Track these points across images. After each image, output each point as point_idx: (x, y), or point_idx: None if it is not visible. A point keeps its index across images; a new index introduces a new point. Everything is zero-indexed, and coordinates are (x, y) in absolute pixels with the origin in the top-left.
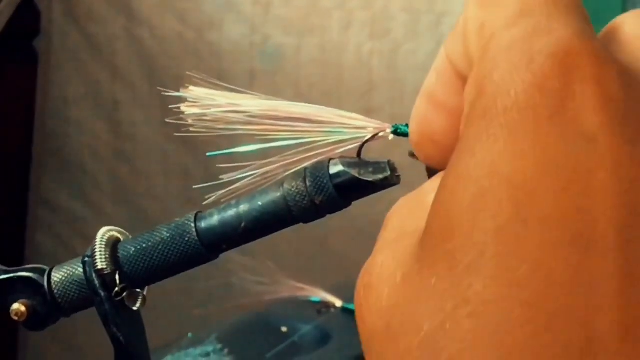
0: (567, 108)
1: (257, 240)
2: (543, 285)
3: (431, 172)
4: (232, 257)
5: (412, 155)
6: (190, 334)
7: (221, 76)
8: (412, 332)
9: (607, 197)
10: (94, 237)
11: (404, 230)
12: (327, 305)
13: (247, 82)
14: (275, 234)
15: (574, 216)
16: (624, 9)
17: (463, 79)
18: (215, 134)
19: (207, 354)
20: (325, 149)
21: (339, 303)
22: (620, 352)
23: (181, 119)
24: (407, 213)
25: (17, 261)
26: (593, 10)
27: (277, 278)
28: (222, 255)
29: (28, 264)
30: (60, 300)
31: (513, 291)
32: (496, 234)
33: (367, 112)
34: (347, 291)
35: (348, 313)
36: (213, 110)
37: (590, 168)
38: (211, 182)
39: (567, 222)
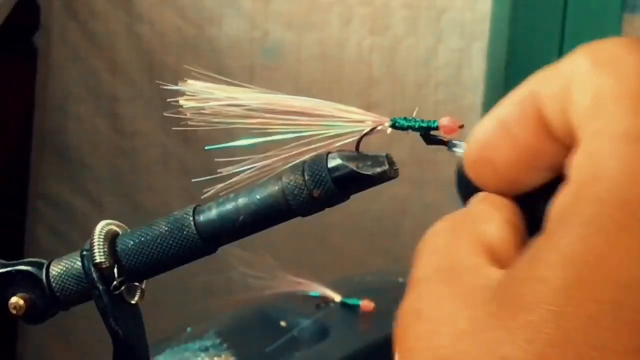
0: None
1: (256, 235)
2: None
3: (463, 183)
4: (231, 252)
5: (459, 172)
6: (189, 328)
7: (221, 71)
8: None
9: None
10: (91, 235)
11: (459, 261)
12: (326, 299)
13: (247, 78)
14: (274, 229)
15: None
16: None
17: (545, 124)
18: (214, 127)
19: (206, 348)
20: (323, 143)
21: (338, 298)
22: None
23: (180, 113)
24: (455, 241)
25: (16, 256)
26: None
27: (276, 273)
28: (220, 250)
29: (27, 259)
30: (58, 294)
31: None
32: (587, 325)
33: (367, 107)
34: (346, 286)
35: (347, 308)
36: (211, 103)
37: None
38: (211, 176)
39: None
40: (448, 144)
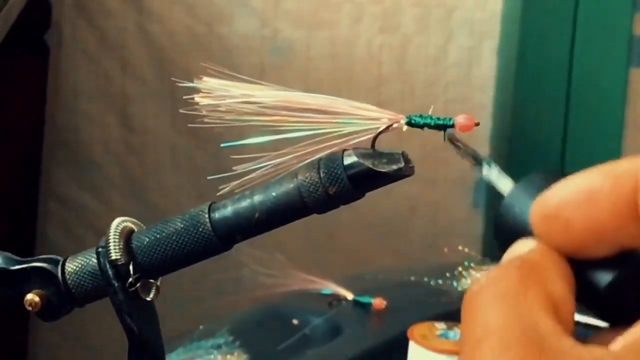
0: None
1: (267, 234)
2: None
3: (506, 228)
4: (243, 250)
5: (453, 143)
6: (201, 326)
7: (231, 70)
8: None
9: None
10: (104, 230)
11: (538, 327)
12: (338, 298)
13: (257, 76)
14: (285, 227)
15: None
16: (635, 7)
17: (638, 206)
18: (229, 124)
19: (219, 346)
20: (338, 140)
21: (350, 296)
22: None
23: (195, 110)
24: (524, 300)
25: (27, 253)
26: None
27: (287, 271)
28: (232, 248)
29: (43, 255)
30: (74, 291)
31: None
32: None
33: (377, 106)
34: (358, 284)
35: (359, 306)
36: (227, 101)
37: None
38: (226, 174)
39: None
40: (477, 160)
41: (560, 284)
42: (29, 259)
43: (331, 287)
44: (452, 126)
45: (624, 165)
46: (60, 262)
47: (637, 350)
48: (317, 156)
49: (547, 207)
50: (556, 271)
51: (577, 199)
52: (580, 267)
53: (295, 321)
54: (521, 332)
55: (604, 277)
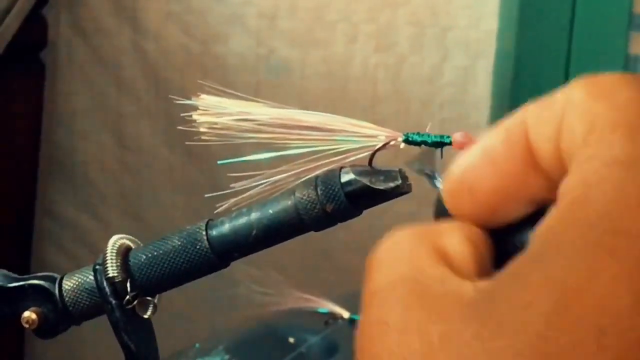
0: None
1: (264, 252)
2: None
3: (440, 214)
4: (239, 268)
5: (419, 170)
6: (197, 344)
7: (226, 88)
8: None
9: None
10: (99, 249)
11: (423, 271)
12: (334, 316)
13: (253, 95)
14: (282, 245)
15: None
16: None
17: (532, 155)
18: (227, 142)
19: None
20: (336, 158)
21: (346, 314)
22: None
23: (191, 127)
24: (416, 250)
25: (23, 272)
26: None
27: (284, 289)
28: (229, 266)
29: (39, 273)
30: (71, 308)
31: None
32: (570, 351)
33: (377, 126)
34: (354, 302)
35: (355, 324)
36: (225, 118)
37: None
38: (223, 192)
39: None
40: (430, 176)
41: (457, 238)
42: (26, 276)
43: (327, 306)
44: (450, 144)
45: (513, 117)
46: (58, 280)
47: (510, 289)
48: (315, 174)
49: (451, 180)
50: (456, 231)
51: (477, 164)
52: (500, 235)
53: (291, 339)
54: (404, 281)
55: (521, 238)
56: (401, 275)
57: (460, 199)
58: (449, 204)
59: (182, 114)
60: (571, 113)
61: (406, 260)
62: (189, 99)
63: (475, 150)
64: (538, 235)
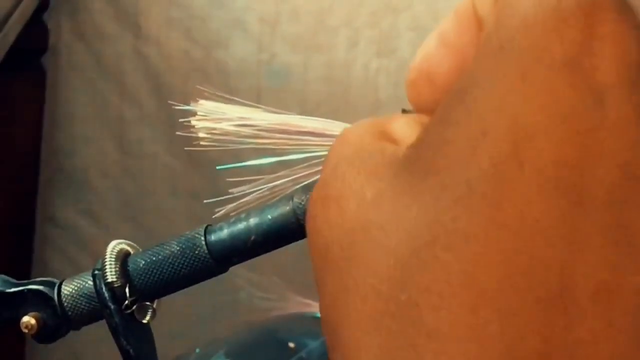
0: (583, 61)
1: (264, 256)
2: (527, 231)
3: None
4: (239, 273)
5: (404, 110)
6: (197, 349)
7: (228, 93)
8: (383, 254)
9: (603, 157)
10: (100, 254)
11: (364, 148)
12: None
13: (254, 100)
14: (283, 250)
15: (570, 168)
16: None
17: (480, 25)
18: (225, 147)
19: None
20: None
21: None
22: (590, 310)
23: (191, 133)
24: (363, 134)
25: (24, 277)
26: None
27: (284, 294)
28: (228, 271)
29: (39, 278)
30: (70, 313)
31: (496, 231)
32: (490, 172)
33: None
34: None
35: None
36: (224, 124)
37: (593, 125)
38: (222, 197)
39: (563, 173)
40: None
41: (403, 120)
42: (25, 281)
43: None
44: None
45: (461, 2)
46: (57, 285)
47: (435, 130)
48: (313, 179)
49: (410, 71)
50: (404, 117)
51: (432, 50)
52: None
53: (291, 344)
54: (346, 159)
55: None
56: (344, 156)
57: (420, 87)
58: (410, 96)
59: (180, 120)
60: None
61: (352, 144)
62: (190, 104)
63: (431, 39)
64: (461, 73)
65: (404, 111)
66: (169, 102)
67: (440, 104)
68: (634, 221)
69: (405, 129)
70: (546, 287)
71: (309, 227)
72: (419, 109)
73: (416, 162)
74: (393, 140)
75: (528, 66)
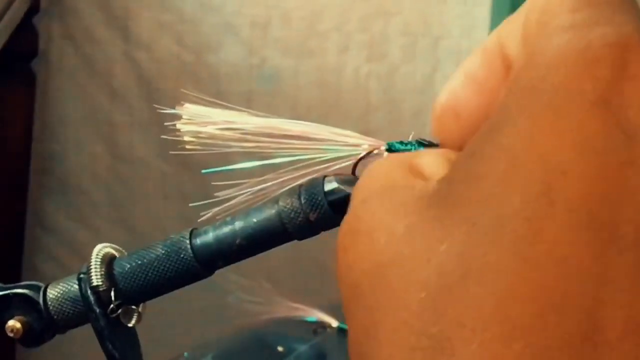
0: (614, 100)
1: (252, 260)
2: (557, 268)
3: None
4: (228, 277)
5: (421, 142)
6: (186, 354)
7: (219, 97)
8: (414, 288)
9: (634, 195)
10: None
11: (394, 184)
12: (322, 325)
13: (245, 104)
14: (270, 254)
15: (600, 206)
16: None
17: (508, 64)
18: (212, 151)
19: None
20: (320, 167)
21: (334, 323)
22: (619, 348)
23: (177, 136)
24: (392, 170)
25: (14, 281)
26: None
27: (272, 298)
28: (217, 275)
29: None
30: (55, 317)
31: (527, 267)
32: (521, 209)
33: (365, 134)
34: (342, 311)
35: (344, 333)
36: (209, 127)
37: (623, 163)
38: (208, 200)
39: (593, 210)
40: None
41: (432, 156)
42: (11, 285)
43: (316, 315)
44: None
45: (490, 36)
46: (42, 289)
47: (465, 166)
48: (299, 182)
49: (437, 107)
50: (432, 152)
51: (460, 87)
52: None
53: (280, 348)
54: (376, 194)
55: None
56: (374, 191)
57: (447, 123)
58: (436, 132)
59: (165, 123)
60: (532, 6)
61: (381, 179)
62: (179, 106)
63: (458, 75)
64: (492, 110)
65: (423, 143)
66: (154, 105)
67: (471, 139)
68: None
69: (434, 164)
70: (577, 324)
71: (338, 262)
72: (444, 144)
73: (447, 197)
74: (422, 176)
75: (559, 104)
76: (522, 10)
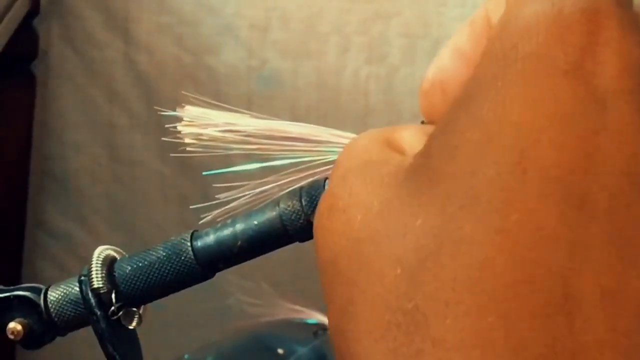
0: (585, 67)
1: (254, 263)
2: (531, 237)
3: None
4: (228, 279)
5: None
6: (186, 356)
7: (219, 99)
8: (390, 264)
9: (606, 162)
10: (90, 261)
11: (371, 159)
12: (323, 327)
13: (245, 106)
14: (271, 256)
15: (572, 174)
16: None
17: None
18: (212, 153)
19: None
20: (321, 169)
21: None
22: (593, 316)
23: (178, 139)
24: (370, 144)
25: (14, 284)
26: None
27: (273, 300)
28: (217, 277)
29: (25, 284)
30: (56, 319)
31: (501, 238)
32: (495, 180)
33: None
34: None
35: None
36: (210, 129)
37: (595, 131)
38: (208, 203)
39: (566, 179)
40: None
41: (410, 130)
42: (11, 287)
43: (316, 317)
44: None
45: (478, 10)
46: (43, 291)
47: (440, 140)
48: (299, 184)
49: (425, 82)
50: (410, 127)
51: (447, 62)
52: None
53: (280, 350)
54: (353, 169)
55: None
56: (351, 166)
57: (434, 98)
58: (423, 108)
59: (166, 125)
60: None
61: (359, 154)
62: (180, 108)
63: (445, 50)
64: (465, 81)
65: (423, 123)
66: (155, 107)
67: (446, 111)
68: (636, 227)
69: (413, 139)
70: (550, 294)
71: (316, 238)
72: (430, 120)
73: (422, 171)
74: (400, 150)
75: (530, 73)
76: None
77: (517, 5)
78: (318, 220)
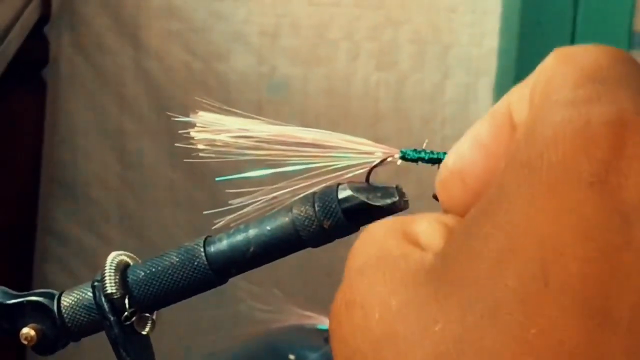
0: (610, 181)
1: (264, 268)
2: (551, 351)
3: None
4: (240, 285)
5: (435, 197)
6: None
7: (229, 106)
8: None
9: (630, 278)
10: (100, 267)
11: (390, 253)
12: None
13: (255, 112)
14: (281, 262)
15: (595, 289)
16: (631, 45)
17: (515, 130)
18: (225, 159)
19: None
20: (333, 174)
21: None
22: None
23: (190, 144)
24: (387, 236)
25: (24, 290)
26: (603, 9)
27: (284, 306)
28: (229, 283)
29: (39, 290)
30: (69, 325)
31: (521, 352)
32: (517, 291)
33: (374, 142)
34: None
35: None
36: (223, 135)
37: (619, 246)
38: (221, 209)
39: (588, 293)
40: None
41: (426, 221)
42: (25, 293)
43: (327, 322)
44: None
45: (499, 102)
46: (56, 296)
47: (461, 243)
48: (312, 190)
49: (443, 170)
50: (427, 217)
51: (467, 151)
52: None
53: (291, 356)
54: (371, 263)
55: None
56: (369, 258)
57: (453, 188)
58: (441, 195)
59: (179, 131)
60: (540, 77)
61: (376, 246)
62: (189, 115)
63: (465, 139)
64: (489, 187)
65: (434, 197)
66: (168, 113)
67: (469, 213)
68: None
69: (430, 232)
70: None
71: (333, 332)
72: (447, 209)
73: (443, 274)
74: (418, 244)
75: (556, 184)
76: (531, 78)
77: (544, 110)
78: (335, 313)
